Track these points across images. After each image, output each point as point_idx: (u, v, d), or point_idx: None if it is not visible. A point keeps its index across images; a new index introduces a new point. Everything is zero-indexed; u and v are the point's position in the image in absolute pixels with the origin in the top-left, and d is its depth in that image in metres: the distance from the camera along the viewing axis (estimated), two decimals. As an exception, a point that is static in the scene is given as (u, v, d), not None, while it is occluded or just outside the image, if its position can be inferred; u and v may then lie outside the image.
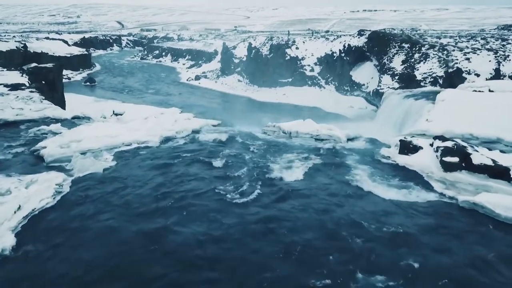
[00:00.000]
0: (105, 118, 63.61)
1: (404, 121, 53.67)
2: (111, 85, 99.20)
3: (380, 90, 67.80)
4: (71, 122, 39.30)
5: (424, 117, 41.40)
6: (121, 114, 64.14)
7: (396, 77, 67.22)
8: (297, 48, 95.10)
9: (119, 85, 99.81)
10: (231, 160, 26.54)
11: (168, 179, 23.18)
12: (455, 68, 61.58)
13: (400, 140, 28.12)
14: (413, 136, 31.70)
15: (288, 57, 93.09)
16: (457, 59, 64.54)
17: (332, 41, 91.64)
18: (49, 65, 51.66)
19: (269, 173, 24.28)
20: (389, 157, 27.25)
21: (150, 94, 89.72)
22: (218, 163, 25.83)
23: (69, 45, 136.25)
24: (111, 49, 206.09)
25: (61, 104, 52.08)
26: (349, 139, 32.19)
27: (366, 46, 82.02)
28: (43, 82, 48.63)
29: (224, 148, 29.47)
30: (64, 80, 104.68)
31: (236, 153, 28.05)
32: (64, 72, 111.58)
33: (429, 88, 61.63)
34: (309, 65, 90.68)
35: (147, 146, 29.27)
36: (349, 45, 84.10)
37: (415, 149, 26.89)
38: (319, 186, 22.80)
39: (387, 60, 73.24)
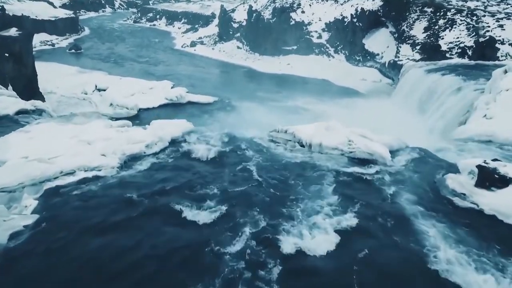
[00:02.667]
0: (86, 94, 56.48)
1: (429, 101, 46.40)
2: (99, 52, 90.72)
3: (398, 62, 59.96)
4: (9, 122, 31.35)
5: (479, 112, 33.45)
6: (104, 90, 56.78)
7: (417, 47, 59.18)
8: (303, 12, 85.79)
9: (108, 52, 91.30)
10: (221, 210, 18.57)
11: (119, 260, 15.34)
12: (487, 37, 53.48)
13: (479, 167, 19.89)
14: (496, 160, 21.58)
15: (293, 22, 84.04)
16: (489, 26, 56.28)
17: (342, 4, 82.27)
18: (14, 33, 43.66)
19: (279, 243, 16.14)
20: (464, 194, 19.46)
21: (140, 63, 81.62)
22: (200, 215, 18.08)
23: (55, 7, 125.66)
24: (103, 11, 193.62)
25: (30, 81, 44.66)
26: (391, 151, 25.11)
27: (381, 10, 73.04)
28: (7, 55, 40.92)
29: (213, 177, 22.19)
30: (46, 47, 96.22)
31: (229, 193, 20.37)
32: (48, 38, 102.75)
33: (456, 60, 53.84)
34: (316, 32, 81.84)
35: (97, 177, 21.20)
36: (362, 9, 75.01)
37: (503, 181, 18.71)
38: (367, 272, 14.73)
39: (407, 27, 64.80)
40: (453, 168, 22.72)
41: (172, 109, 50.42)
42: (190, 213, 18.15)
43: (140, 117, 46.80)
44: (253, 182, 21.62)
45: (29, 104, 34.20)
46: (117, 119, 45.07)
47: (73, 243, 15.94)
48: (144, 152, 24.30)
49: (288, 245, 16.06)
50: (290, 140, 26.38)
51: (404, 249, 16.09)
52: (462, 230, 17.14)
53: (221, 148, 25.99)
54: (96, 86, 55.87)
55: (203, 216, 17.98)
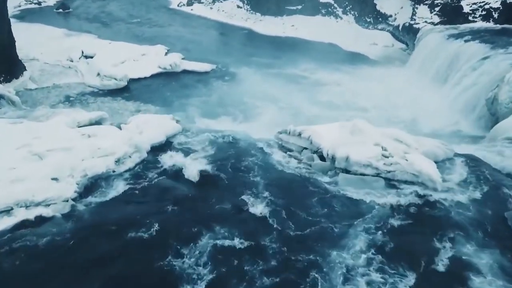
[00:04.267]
0: (72, 61, 51.66)
1: (449, 72, 41.91)
2: (88, 11, 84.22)
3: (413, 25, 54.74)
4: None
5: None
6: (91, 57, 51.97)
7: (436, 9, 53.65)
8: (308, -34, 78.37)
9: (98, 12, 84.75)
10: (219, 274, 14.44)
11: None
12: (515, -2, 47.81)
13: None
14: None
15: (298, -22, 76.91)
16: (518, -15, 50.29)
17: (352, -42, 74.82)
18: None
19: None
20: None
21: (132, 24, 75.65)
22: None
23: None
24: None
25: (6, 49, 39.91)
26: (437, 162, 20.47)
27: (395, -35, 66.09)
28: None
29: (206, 214, 17.48)
30: (32, 6, 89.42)
31: (227, 249, 15.66)
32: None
33: (479, 24, 48.60)
34: (323, -11, 75.02)
35: (42, 219, 16.32)
36: (374, -37, 67.95)
37: None
38: None
39: (424, -15, 58.57)
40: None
41: (165, 79, 46.07)
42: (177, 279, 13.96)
43: (130, 89, 42.69)
44: (258, 228, 16.80)
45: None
46: (104, 92, 41.58)
47: None
48: (113, 171, 19.15)
49: None
50: (305, 148, 21.53)
51: None
52: None
53: (215, 161, 21.00)
54: (82, 53, 51.00)
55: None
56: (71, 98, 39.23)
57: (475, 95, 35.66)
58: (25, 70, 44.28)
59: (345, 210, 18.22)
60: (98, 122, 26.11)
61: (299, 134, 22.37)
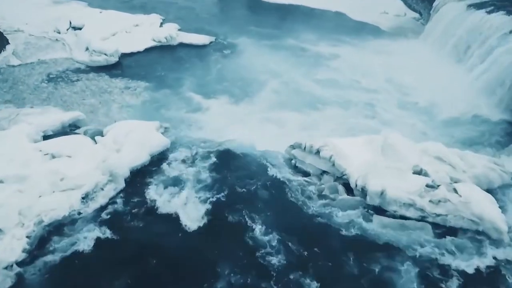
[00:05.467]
0: (59, 33, 47.82)
1: (470, 48, 38.27)
2: (79, -25, 78.66)
3: (429, -7, 50.19)
4: None
5: None
6: (80, 28, 48.17)
7: (455, -26, 48.77)
8: None
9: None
10: None
11: None
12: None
13: None
14: None
15: None
16: None
17: None
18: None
19: None
20: None
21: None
22: None
23: None
24: None
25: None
26: (490, 190, 16.87)
27: None
28: None
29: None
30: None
31: None
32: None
33: (503, -8, 44.28)
34: (330, -50, 69.37)
35: None
36: None
37: None
38: None
39: None
40: None
41: (160, 53, 42.61)
42: None
43: (121, 65, 39.44)
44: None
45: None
46: (93, 68, 38.30)
47: None
48: (80, 213, 15.22)
49: None
50: (326, 173, 17.52)
51: None
52: None
53: (212, 194, 17.02)
54: (70, 23, 47.15)
55: None
56: (55, 77, 36.03)
57: (499, 75, 32.42)
58: (8, 43, 40.95)
59: (383, 274, 14.08)
60: (73, 126, 23.17)
61: (318, 152, 18.40)
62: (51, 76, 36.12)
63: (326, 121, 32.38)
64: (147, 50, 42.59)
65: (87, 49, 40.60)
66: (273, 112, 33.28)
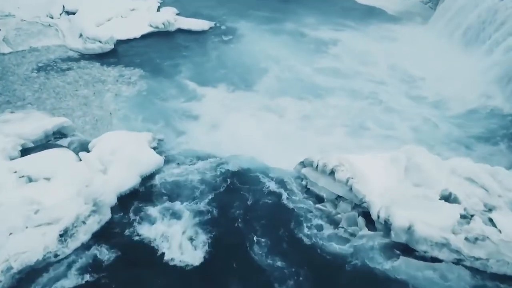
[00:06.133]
0: (52, 18, 45.88)
1: (483, 34, 36.33)
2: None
3: (439, -26, 47.69)
4: None
5: None
6: (73, 13, 46.14)
7: (468, -46, 46.27)
8: None
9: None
10: None
11: None
12: None
13: None
14: None
15: None
16: None
17: None
18: None
19: None
20: None
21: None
22: None
23: None
24: None
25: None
26: None
27: None
28: None
29: None
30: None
31: None
32: None
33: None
34: None
35: None
36: None
37: None
38: None
39: None
40: None
41: (157, 40, 40.84)
42: None
43: (117, 53, 37.77)
44: None
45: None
46: (87, 56, 36.65)
47: None
48: (56, 255, 12.81)
49: None
50: (342, 199, 15.06)
51: None
52: None
53: (212, 224, 14.76)
54: (64, 8, 45.25)
55: None
56: (47, 66, 34.46)
57: (513, 64, 30.67)
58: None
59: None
60: (58, 134, 21.25)
61: (332, 172, 15.94)
62: (43, 65, 34.58)
63: (328, 110, 31.06)
64: (144, 36, 40.87)
65: (81, 35, 38.86)
66: (273, 100, 32.03)
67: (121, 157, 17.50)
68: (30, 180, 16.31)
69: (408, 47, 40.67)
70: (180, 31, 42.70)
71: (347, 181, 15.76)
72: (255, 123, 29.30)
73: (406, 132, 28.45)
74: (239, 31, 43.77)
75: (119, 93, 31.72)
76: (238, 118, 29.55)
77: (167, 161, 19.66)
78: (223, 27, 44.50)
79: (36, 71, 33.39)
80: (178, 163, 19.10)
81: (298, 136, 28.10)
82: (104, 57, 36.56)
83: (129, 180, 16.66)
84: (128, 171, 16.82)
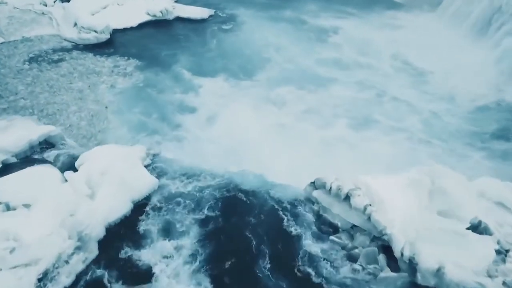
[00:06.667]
0: (45, 6, 44.31)
1: (494, 23, 34.82)
2: None
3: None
4: None
5: None
6: (68, 0, 44.65)
7: None
8: None
9: None
10: None
11: None
12: None
13: None
14: None
15: None
16: None
17: None
18: None
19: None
20: None
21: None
22: None
23: None
24: None
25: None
26: None
27: None
28: None
29: None
30: None
31: None
32: None
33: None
34: None
35: None
36: None
37: None
38: None
39: None
40: None
41: (154, 29, 39.39)
42: None
43: (113, 43, 36.43)
44: None
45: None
46: (81, 46, 35.31)
47: None
48: None
49: None
50: (359, 230, 13.31)
51: None
52: None
53: (212, 258, 13.09)
54: (58, -6, 43.55)
55: None
56: (41, 57, 33.18)
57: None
58: (-10, 18, 37.81)
59: None
60: (44, 144, 19.63)
61: (347, 197, 14.06)
62: (36, 56, 33.30)
63: (330, 101, 30.00)
64: (141, 25, 39.37)
65: (75, 24, 37.43)
66: (273, 91, 30.99)
67: (111, 179, 15.62)
68: (8, 208, 14.37)
69: (414, 36, 39.15)
70: (178, 19, 41.16)
71: (365, 209, 13.91)
72: (255, 116, 28.35)
73: (414, 124, 27.35)
74: (239, 18, 42.32)
75: (115, 85, 30.70)
76: (237, 111, 28.54)
77: (161, 175, 18.12)
78: (223, 15, 42.97)
79: (28, 62, 32.14)
80: (174, 178, 17.53)
81: (299, 128, 27.18)
82: (99, 47, 35.26)
83: (119, 207, 14.98)
84: (118, 196, 14.99)
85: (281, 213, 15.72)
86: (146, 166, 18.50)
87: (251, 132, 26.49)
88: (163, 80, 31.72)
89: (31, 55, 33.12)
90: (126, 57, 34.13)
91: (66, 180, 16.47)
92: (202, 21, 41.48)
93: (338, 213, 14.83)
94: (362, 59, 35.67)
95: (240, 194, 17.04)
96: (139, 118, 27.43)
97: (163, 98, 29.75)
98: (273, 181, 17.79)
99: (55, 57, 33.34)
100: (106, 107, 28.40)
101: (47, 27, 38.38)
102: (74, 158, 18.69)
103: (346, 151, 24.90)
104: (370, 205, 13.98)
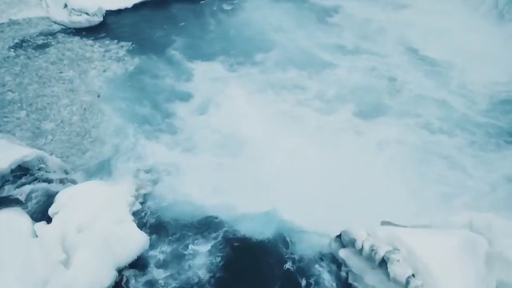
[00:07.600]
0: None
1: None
2: None
3: None
4: None
5: None
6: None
7: None
8: None
9: None
10: None
11: None
12: None
13: None
14: None
15: None
16: None
17: None
18: None
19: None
20: None
21: None
22: None
23: None
24: None
25: None
26: None
27: None
28: None
29: None
30: None
31: None
32: None
33: None
34: None
35: None
36: None
37: None
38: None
39: None
40: None
41: (150, 10, 36.88)
42: None
43: (105, 26, 34.27)
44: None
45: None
46: (72, 30, 33.18)
47: None
48: None
49: None
50: None
51: None
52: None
53: None
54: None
55: None
56: (29, 42, 31.13)
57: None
58: (-25, -1, 35.55)
59: None
60: (18, 171, 16.36)
61: (383, 261, 11.06)
62: (24, 41, 31.22)
63: (334, 87, 28.09)
64: (136, 6, 36.73)
65: (65, 6, 35.13)
66: (274, 76, 29.19)
67: (91, 239, 12.77)
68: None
69: (426, 20, 35.82)
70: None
71: (407, 282, 10.95)
72: (254, 102, 26.85)
73: (433, 110, 25.51)
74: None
75: (107, 71, 29.00)
76: (235, 96, 27.11)
77: (152, 226, 15.49)
78: (223, -5, 40.33)
79: (15, 49, 30.16)
80: (168, 230, 14.33)
81: (301, 116, 25.67)
82: (91, 31, 33.14)
83: (101, 279, 11.90)
84: (100, 264, 12.18)
85: (299, 277, 12.25)
86: (134, 213, 15.36)
87: (251, 119, 25.07)
88: (158, 66, 29.93)
89: (17, 40, 31.06)
90: (119, 41, 32.21)
91: (37, 236, 13.35)
92: (202, 1, 38.97)
93: (372, 284, 11.58)
94: (368, 42, 32.95)
95: (247, 252, 13.63)
96: (132, 108, 26.02)
97: (157, 84, 28.16)
98: (289, 226, 14.35)
99: (44, 42, 31.31)
100: (98, 95, 26.79)
101: (36, 9, 36.01)
102: (50, 196, 15.72)
103: (353, 139, 23.69)
104: (413, 275, 10.90)
